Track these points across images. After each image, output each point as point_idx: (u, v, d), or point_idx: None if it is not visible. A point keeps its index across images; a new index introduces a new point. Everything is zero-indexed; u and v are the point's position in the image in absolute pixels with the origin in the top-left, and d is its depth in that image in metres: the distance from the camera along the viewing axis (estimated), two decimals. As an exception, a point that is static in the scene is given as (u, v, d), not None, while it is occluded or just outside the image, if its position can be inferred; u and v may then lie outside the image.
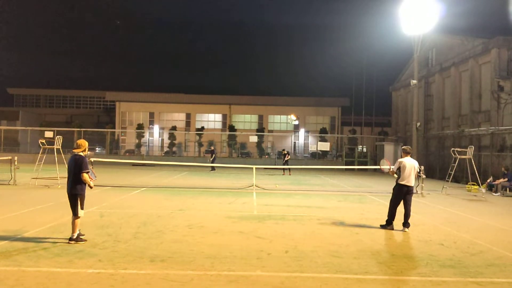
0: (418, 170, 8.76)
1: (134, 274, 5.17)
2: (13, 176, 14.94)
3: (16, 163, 15.00)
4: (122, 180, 18.49)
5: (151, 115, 50.70)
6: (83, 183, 6.66)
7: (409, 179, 8.40)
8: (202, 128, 43.49)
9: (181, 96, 50.40)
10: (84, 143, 6.94)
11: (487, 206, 13.01)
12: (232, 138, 40.63)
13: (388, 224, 8.56)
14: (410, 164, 8.45)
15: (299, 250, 6.58)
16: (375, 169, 28.28)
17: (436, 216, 10.45)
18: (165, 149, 42.23)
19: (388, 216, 8.59)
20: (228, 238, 7.28)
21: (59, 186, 14.29)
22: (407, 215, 8.41)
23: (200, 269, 5.40)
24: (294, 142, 46.13)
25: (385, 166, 9.46)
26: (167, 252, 6.19)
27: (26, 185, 14.90)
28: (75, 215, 6.62)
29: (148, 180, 19.16)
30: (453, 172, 16.61)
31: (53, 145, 15.36)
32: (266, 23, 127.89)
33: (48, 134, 31.17)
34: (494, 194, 16.34)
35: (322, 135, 39.62)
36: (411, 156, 8.80)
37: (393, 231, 8.36)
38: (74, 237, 6.61)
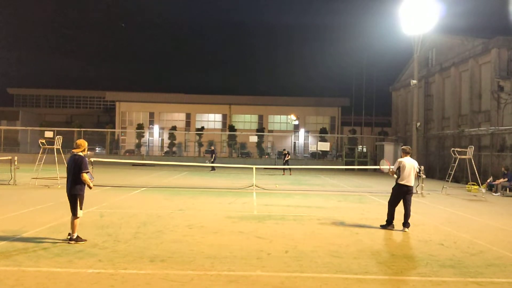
0: (418, 170, 8.76)
1: (134, 274, 5.17)
2: (13, 176, 14.94)
3: (16, 163, 14.99)
4: (122, 180, 18.49)
5: (151, 115, 50.70)
6: (82, 183, 6.65)
7: (409, 179, 8.41)
8: (202, 128, 43.49)
9: (181, 96, 50.40)
10: (83, 143, 6.93)
11: (487, 206, 13.01)
12: (232, 138, 40.64)
13: (388, 224, 8.57)
14: (410, 164, 8.46)
15: (299, 250, 6.58)
16: (375, 169, 28.29)
17: (436, 216, 10.45)
18: (165, 149, 42.23)
19: (388, 216, 8.60)
20: (228, 238, 7.28)
21: (59, 186, 14.29)
22: (407, 215, 8.41)
23: (200, 269, 5.40)
24: (294, 142, 46.14)
25: (384, 166, 9.47)
26: (167, 252, 6.19)
27: (26, 185, 14.90)
28: (75, 215, 6.61)
29: (148, 180, 19.16)
30: (453, 172, 16.61)
31: (53, 145, 15.36)
32: (266, 23, 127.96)
33: (48, 134, 31.16)
34: (494, 194, 16.34)
35: (322, 135, 39.63)
36: (410, 156, 8.80)
37: (393, 231, 8.36)
38: (74, 237, 6.61)
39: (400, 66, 36.06)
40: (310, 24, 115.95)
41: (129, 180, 18.53)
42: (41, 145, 15.91)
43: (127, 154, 40.66)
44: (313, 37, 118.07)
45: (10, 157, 15.80)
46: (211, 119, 51.34)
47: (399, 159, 8.64)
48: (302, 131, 48.14)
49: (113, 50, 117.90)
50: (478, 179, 16.61)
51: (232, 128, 42.62)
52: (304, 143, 47.37)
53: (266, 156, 40.17)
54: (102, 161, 21.66)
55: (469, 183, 17.03)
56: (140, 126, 41.31)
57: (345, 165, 32.49)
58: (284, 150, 28.06)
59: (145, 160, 32.80)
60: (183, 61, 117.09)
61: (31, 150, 34.56)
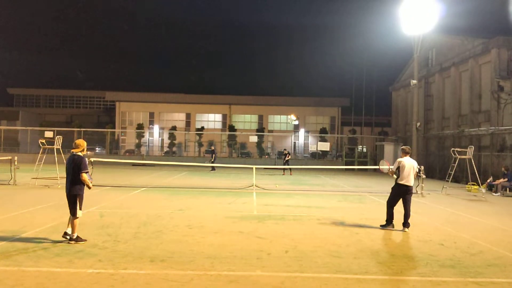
0: (417, 170, 8.77)
1: (134, 274, 5.17)
2: (13, 176, 14.94)
3: (16, 163, 14.99)
4: (122, 180, 18.49)
5: (151, 115, 50.70)
6: (82, 183, 6.63)
7: (408, 179, 8.41)
8: (202, 128, 43.49)
9: (181, 96, 50.40)
10: (82, 143, 6.92)
11: (487, 206, 13.01)
12: (232, 138, 40.64)
13: (388, 224, 8.57)
14: (409, 164, 8.47)
15: (299, 250, 6.58)
16: (375, 169, 28.27)
17: (436, 216, 10.45)
18: (165, 149, 42.24)
19: (387, 215, 8.61)
20: (228, 238, 7.28)
21: (59, 186, 14.29)
22: (406, 215, 8.41)
23: (200, 269, 5.40)
24: (294, 142, 46.15)
25: (384, 166, 9.48)
26: (167, 252, 6.19)
27: (26, 185, 14.90)
28: (74, 215, 6.60)
29: (148, 180, 19.16)
30: (453, 172, 16.62)
31: (53, 145, 15.36)
32: (266, 23, 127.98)
33: (48, 134, 31.15)
34: (494, 194, 16.34)
35: (322, 135, 39.62)
36: (410, 156, 8.81)
37: (393, 231, 8.36)
38: (74, 237, 6.60)
39: (400, 66, 36.09)
40: (310, 24, 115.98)
41: (129, 180, 18.53)
42: (41, 145, 15.91)
43: (127, 154, 40.66)
44: (313, 37, 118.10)
45: (10, 157, 15.79)
46: (211, 119, 51.34)
47: (399, 159, 8.65)
48: (302, 131, 48.14)
49: (113, 50, 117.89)
50: (478, 179, 16.61)
51: (232, 128, 42.62)
52: (304, 143, 47.38)
53: (266, 156, 40.18)
54: (102, 161, 21.66)
55: (469, 183, 17.03)
56: (140, 126, 41.31)
57: (345, 165, 32.48)
58: (285, 150, 28.06)
59: (145, 160, 32.80)
60: (183, 61, 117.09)
61: (31, 150, 34.55)
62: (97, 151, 42.12)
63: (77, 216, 6.62)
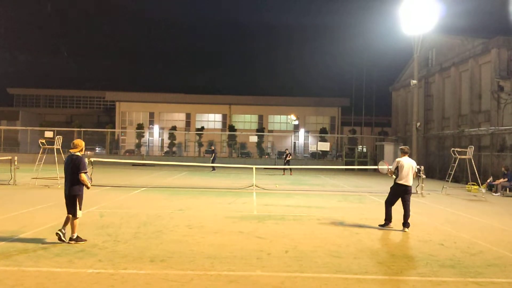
0: (416, 170, 8.78)
1: (134, 274, 5.17)
2: (13, 176, 14.94)
3: (16, 163, 14.99)
4: (122, 180, 18.48)
5: (151, 115, 50.70)
6: (81, 183, 6.62)
7: (407, 179, 8.42)
8: (202, 128, 43.49)
9: (181, 96, 50.40)
10: (80, 143, 6.89)
11: (487, 206, 13.01)
12: (232, 138, 40.64)
13: (386, 224, 8.57)
14: (408, 164, 8.47)
15: (299, 250, 6.58)
16: (375, 169, 28.27)
17: (436, 216, 10.45)
18: (165, 149, 42.24)
19: (385, 215, 8.61)
20: (228, 238, 7.28)
21: (59, 186, 14.28)
22: (406, 215, 8.41)
23: (200, 269, 5.40)
24: (294, 142, 46.14)
25: (383, 167, 9.49)
26: (167, 252, 6.19)
27: (26, 185, 14.90)
28: (74, 216, 6.59)
29: (148, 180, 19.16)
30: (453, 172, 16.61)
31: (53, 145, 15.36)
32: (266, 23, 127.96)
33: (48, 134, 31.14)
34: (494, 194, 16.34)
35: (322, 135, 39.62)
36: (409, 156, 8.82)
37: (393, 231, 8.36)
38: (74, 237, 6.60)
39: (400, 66, 36.11)
40: (310, 24, 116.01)
41: (129, 180, 18.53)
42: (41, 145, 15.91)
43: (127, 154, 40.66)
44: (313, 37, 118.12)
45: (10, 157, 15.79)
46: (211, 119, 51.34)
47: (397, 159, 8.67)
48: (302, 131, 48.14)
49: (113, 50, 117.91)
50: (478, 179, 16.61)
51: (232, 128, 42.62)
52: (304, 143, 47.37)
53: (266, 156, 40.18)
54: (102, 161, 21.66)
55: (469, 183, 17.03)
56: (140, 126, 41.30)
57: (345, 165, 32.48)
58: (287, 150, 28.03)
59: (145, 160, 32.80)
60: (183, 61, 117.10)
61: (31, 150, 34.54)
62: (97, 151, 42.12)
63: (77, 216, 6.61)
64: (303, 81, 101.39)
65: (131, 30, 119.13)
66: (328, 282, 5.08)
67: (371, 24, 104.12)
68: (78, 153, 6.75)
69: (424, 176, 15.34)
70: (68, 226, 6.63)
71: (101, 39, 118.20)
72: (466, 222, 9.83)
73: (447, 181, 16.72)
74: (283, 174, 25.26)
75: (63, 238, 6.50)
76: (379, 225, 8.67)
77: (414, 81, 20.20)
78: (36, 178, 15.17)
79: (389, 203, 8.63)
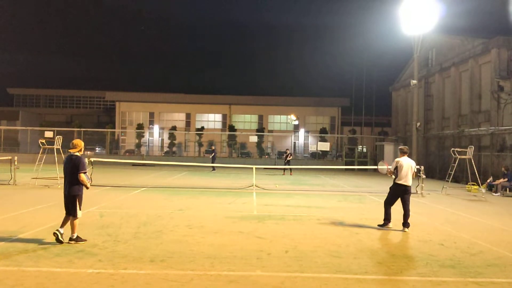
0: (415, 170, 8.78)
1: (134, 274, 5.17)
2: (13, 176, 14.94)
3: (16, 163, 14.99)
4: (122, 180, 18.48)
5: (151, 115, 50.70)
6: (80, 183, 6.60)
7: (407, 179, 8.42)
8: (202, 128, 43.50)
9: (181, 96, 50.41)
10: (80, 143, 6.88)
11: (487, 206, 13.01)
12: (232, 138, 40.64)
13: (385, 224, 8.56)
14: (407, 164, 8.48)
15: (299, 250, 6.58)
16: (375, 169, 28.27)
17: (436, 216, 10.45)
18: (165, 149, 42.24)
19: (384, 215, 8.60)
20: (228, 238, 7.28)
21: (59, 186, 14.28)
22: (406, 215, 8.41)
23: (200, 269, 5.40)
24: (294, 142, 46.14)
25: (382, 167, 9.49)
26: (167, 252, 6.19)
27: (26, 185, 14.90)
28: (74, 216, 6.58)
29: (148, 180, 19.16)
30: (453, 172, 16.61)
31: (53, 145, 15.36)
32: (266, 23, 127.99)
33: (48, 134, 31.15)
34: (494, 194, 16.34)
35: (322, 135, 39.63)
36: (408, 156, 8.82)
37: (393, 231, 8.36)
38: (74, 237, 6.59)
39: (400, 66, 36.11)
40: (310, 24, 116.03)
41: (129, 180, 18.53)
42: (41, 145, 15.91)
43: (127, 154, 40.66)
44: (313, 37, 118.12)
45: (10, 157, 15.79)
46: (211, 119, 51.34)
47: (397, 159, 8.68)
48: (302, 131, 48.14)
49: (113, 50, 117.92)
50: (478, 179, 16.61)
51: (232, 128, 42.61)
52: (304, 143, 47.39)
53: (266, 156, 40.18)
54: (102, 161, 21.66)
55: (469, 183, 17.02)
56: (140, 126, 41.30)
57: (345, 165, 32.48)
58: (287, 150, 28.02)
59: (145, 160, 32.81)
60: (183, 61, 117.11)
61: (31, 150, 34.55)
62: (97, 151, 42.13)
63: (77, 216, 6.61)
64: (303, 81, 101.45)
65: (131, 30, 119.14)
66: (328, 282, 5.08)
67: (371, 24, 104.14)
68: (77, 153, 6.74)
69: (424, 176, 15.34)
70: (67, 227, 6.62)
71: (101, 39, 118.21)
72: (466, 222, 9.83)
73: (447, 181, 16.72)
74: (283, 174, 25.26)
75: (60, 239, 6.45)
76: (378, 225, 8.67)
77: (414, 81, 20.20)
78: (36, 178, 15.17)
79: (389, 203, 8.64)
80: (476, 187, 16.57)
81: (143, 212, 9.80)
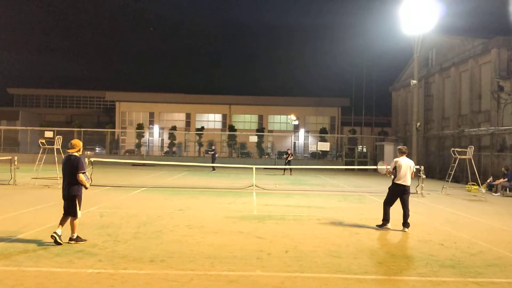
0: (414, 170, 8.77)
1: (134, 274, 5.17)
2: (13, 176, 14.94)
3: (16, 163, 14.99)
4: (122, 180, 18.48)
5: (151, 115, 50.71)
6: (79, 183, 6.59)
7: (405, 179, 8.42)
8: (202, 128, 43.50)
9: (181, 96, 50.42)
10: (78, 143, 6.86)
11: (487, 206, 13.01)
12: (232, 138, 40.64)
13: (384, 224, 8.54)
14: (406, 164, 8.47)
15: (299, 250, 6.58)
16: (375, 169, 28.26)
17: (436, 216, 10.45)
18: (165, 149, 42.24)
19: (383, 215, 8.59)
20: (228, 238, 7.28)
21: (59, 186, 14.21)
22: (405, 215, 8.41)
23: (200, 269, 5.40)
24: (294, 142, 46.15)
25: (382, 167, 9.49)
26: (167, 252, 6.19)
27: (26, 185, 14.90)
28: (74, 216, 6.57)
29: (148, 180, 19.16)
30: (453, 172, 16.61)
31: (53, 145, 15.36)
32: (266, 23, 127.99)
33: (48, 134, 31.14)
34: (494, 194, 16.34)
35: (322, 135, 39.63)
36: (407, 156, 8.82)
37: (393, 231, 8.35)
38: (74, 237, 6.59)
39: (400, 66, 36.13)
40: (310, 24, 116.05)
41: (129, 180, 18.53)
42: (41, 145, 15.91)
43: (127, 154, 40.66)
44: (313, 37, 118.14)
45: (10, 157, 15.79)
46: (211, 119, 51.35)
47: (395, 159, 8.67)
48: (302, 131, 48.15)
49: (114, 50, 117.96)
50: (478, 179, 16.60)
51: (232, 128, 42.62)
52: (304, 143, 47.40)
53: (266, 156, 40.18)
54: (102, 161, 21.65)
55: (469, 183, 17.02)
56: (140, 126, 41.30)
57: (345, 165, 32.48)
58: (288, 150, 28.01)
59: (145, 160, 32.80)
60: (183, 61, 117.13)
61: (31, 150, 34.55)
62: (97, 151, 42.14)
63: (77, 216, 6.60)
64: (303, 81, 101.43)
65: (131, 30, 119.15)
66: (328, 282, 5.08)
67: (371, 24, 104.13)
68: (76, 153, 6.73)
69: (424, 176, 15.35)
70: (66, 227, 6.61)
71: (101, 39, 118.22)
72: (466, 222, 9.83)
73: (447, 181, 16.72)
74: (283, 174, 25.26)
75: (59, 241, 6.39)
76: (377, 226, 8.64)
77: (414, 81, 20.22)
78: (36, 178, 15.17)
79: (388, 203, 8.63)
80: (476, 187, 16.57)
81: (143, 212, 9.80)
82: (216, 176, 22.93)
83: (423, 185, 15.07)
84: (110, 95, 52.35)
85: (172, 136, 40.71)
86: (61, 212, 6.73)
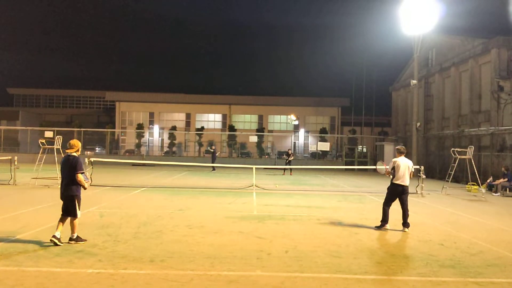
0: (413, 170, 8.76)
1: (134, 274, 5.17)
2: (13, 176, 14.94)
3: (16, 163, 14.99)
4: (122, 180, 18.48)
5: (151, 115, 50.71)
6: (78, 184, 6.58)
7: (404, 179, 8.41)
8: (202, 128, 43.50)
9: (181, 96, 50.42)
10: (77, 143, 6.85)
11: (487, 206, 13.01)
12: (232, 138, 40.64)
13: (382, 225, 8.51)
14: (404, 164, 8.46)
15: (299, 250, 6.58)
16: (375, 169, 28.26)
17: (436, 216, 10.45)
18: (165, 149, 42.25)
19: (382, 216, 8.56)
20: (228, 238, 7.28)
21: (59, 186, 14.25)
22: (405, 215, 8.41)
23: (200, 269, 5.40)
24: (294, 142, 46.15)
25: (380, 167, 9.48)
26: (167, 252, 6.19)
27: (26, 185, 14.90)
28: (74, 216, 6.57)
29: (148, 180, 19.16)
30: (453, 172, 16.61)
31: (53, 145, 15.36)
32: (266, 23, 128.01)
33: (48, 134, 31.16)
34: (494, 194, 16.34)
35: (322, 135, 39.63)
36: (408, 156, 8.80)
37: (393, 231, 8.35)
38: (74, 237, 6.59)
39: (400, 66, 36.14)
40: (311, 24, 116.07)
41: (129, 180, 18.53)
42: (41, 145, 15.92)
43: (127, 154, 40.67)
44: (313, 37, 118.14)
45: (10, 157, 15.79)
46: (211, 119, 51.35)
47: (394, 159, 8.65)
48: (302, 131, 48.15)
49: (114, 50, 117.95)
50: (478, 179, 16.60)
51: (232, 128, 42.62)
52: (304, 143, 47.40)
53: (266, 156, 40.18)
54: (102, 161, 21.65)
55: (469, 183, 17.02)
56: (140, 126, 41.30)
57: (345, 165, 32.49)
58: (289, 150, 28.02)
59: (145, 160, 32.80)
60: (183, 61, 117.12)
61: (31, 150, 34.55)
62: (97, 151, 42.14)
63: (77, 216, 6.60)
64: (303, 81, 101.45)
65: (131, 30, 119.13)
66: (328, 282, 5.08)
67: (371, 24, 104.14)
68: (74, 154, 6.73)
69: (424, 176, 15.35)
70: (65, 227, 6.60)
71: (101, 39, 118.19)
72: (466, 222, 9.83)
73: (447, 181, 16.71)
74: (283, 174, 25.27)
75: (58, 244, 6.35)
76: (375, 227, 8.60)
77: (414, 81, 20.22)
78: (36, 178, 15.17)
79: (387, 204, 8.61)
80: (476, 187, 16.57)
81: (143, 212, 9.80)
82: (216, 176, 22.93)
83: (423, 185, 15.07)
84: (110, 95, 52.35)
85: (172, 136, 40.71)
86: (61, 212, 6.72)
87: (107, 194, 12.99)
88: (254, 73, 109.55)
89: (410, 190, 8.80)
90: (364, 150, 38.63)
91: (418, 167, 15.63)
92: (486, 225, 9.47)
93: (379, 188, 17.81)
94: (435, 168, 25.86)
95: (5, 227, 7.67)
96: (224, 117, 51.10)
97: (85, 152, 36.52)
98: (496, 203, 13.75)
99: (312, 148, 39.70)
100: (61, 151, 15.49)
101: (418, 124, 21.10)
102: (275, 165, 30.53)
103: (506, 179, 16.21)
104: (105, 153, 38.76)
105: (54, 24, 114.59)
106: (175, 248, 6.44)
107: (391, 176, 8.64)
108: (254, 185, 15.90)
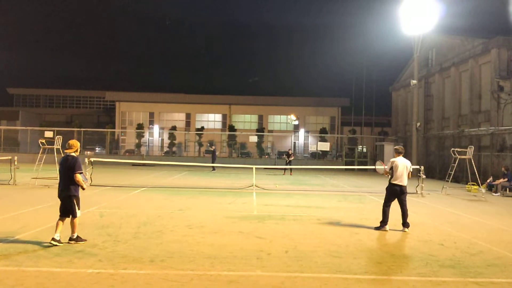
0: (411, 170, 8.75)
1: (134, 274, 5.17)
2: (13, 176, 14.94)
3: (16, 163, 14.99)
4: (122, 180, 18.48)
5: (151, 115, 50.71)
6: (76, 184, 6.57)
7: (402, 179, 8.41)
8: (202, 128, 43.50)
9: (181, 96, 50.42)
10: (76, 143, 6.84)
11: (487, 206, 13.01)
12: (232, 138, 40.64)
13: (382, 226, 8.49)
14: (402, 164, 8.46)
15: (299, 250, 6.58)
16: (374, 169, 28.25)
17: (436, 216, 10.45)
18: (165, 149, 42.25)
19: (382, 216, 8.55)
20: (228, 238, 7.28)
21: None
22: (404, 215, 8.41)
23: (200, 269, 5.41)
24: (294, 142, 46.15)
25: (379, 167, 9.48)
26: (167, 252, 6.19)
27: (26, 185, 14.90)
28: (74, 216, 6.56)
29: (148, 180, 19.16)
30: (453, 172, 16.61)
31: (53, 145, 15.36)
32: (266, 23, 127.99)
33: (48, 134, 31.16)
34: (494, 194, 16.34)
35: (322, 135, 39.63)
36: (408, 156, 8.80)
37: (392, 231, 8.35)
38: (74, 237, 6.59)
39: (400, 66, 36.13)
40: (310, 24, 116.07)
41: (129, 180, 18.53)
42: (41, 145, 15.92)
43: (127, 154, 40.66)
44: (313, 37, 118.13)
45: (10, 157, 15.79)
46: (211, 119, 51.35)
47: (392, 159, 8.65)
48: (302, 131, 48.15)
49: (114, 50, 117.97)
50: (478, 179, 16.60)
51: (232, 128, 42.61)
52: (304, 143, 47.40)
53: (266, 156, 40.18)
54: (102, 161, 21.65)
55: (469, 183, 17.02)
56: (140, 126, 41.29)
57: (345, 165, 32.48)
58: (290, 150, 28.01)
59: (145, 160, 32.80)
60: (183, 61, 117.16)
61: (31, 150, 34.55)
62: (97, 151, 42.13)
63: (76, 216, 6.59)
64: (303, 81, 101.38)
65: (131, 30, 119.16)
66: (328, 282, 5.08)
67: (371, 24, 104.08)
68: (73, 154, 6.72)
69: (424, 176, 15.35)
70: (65, 228, 6.59)
71: (101, 39, 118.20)
72: (466, 222, 9.83)
73: (447, 181, 16.71)
74: (283, 174, 25.27)
75: (58, 245, 6.33)
76: (375, 228, 8.59)
77: (414, 81, 20.23)
78: (36, 178, 15.17)
79: (386, 204, 8.60)
80: (476, 187, 16.57)
81: (143, 212, 9.80)
82: (216, 176, 22.93)
83: (423, 185, 15.07)
84: (110, 95, 52.35)
85: (172, 136, 40.70)
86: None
87: (107, 194, 12.99)
88: (254, 73, 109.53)
89: (410, 190, 8.81)
90: (364, 150, 38.64)
91: (418, 167, 15.63)
92: (486, 225, 9.47)
93: (379, 188, 17.81)
94: (435, 168, 25.86)
95: (5, 227, 7.67)
96: (224, 117, 51.10)
97: (85, 152, 36.51)
98: (496, 203, 13.76)
99: (312, 148, 39.69)
100: (61, 151, 15.49)
101: (418, 124, 21.12)
102: (275, 165, 30.53)
103: (506, 179, 16.21)
104: (105, 153, 38.75)
105: (54, 24, 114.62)
106: (175, 248, 6.44)
107: (389, 176, 8.64)
108: (254, 185, 15.90)
